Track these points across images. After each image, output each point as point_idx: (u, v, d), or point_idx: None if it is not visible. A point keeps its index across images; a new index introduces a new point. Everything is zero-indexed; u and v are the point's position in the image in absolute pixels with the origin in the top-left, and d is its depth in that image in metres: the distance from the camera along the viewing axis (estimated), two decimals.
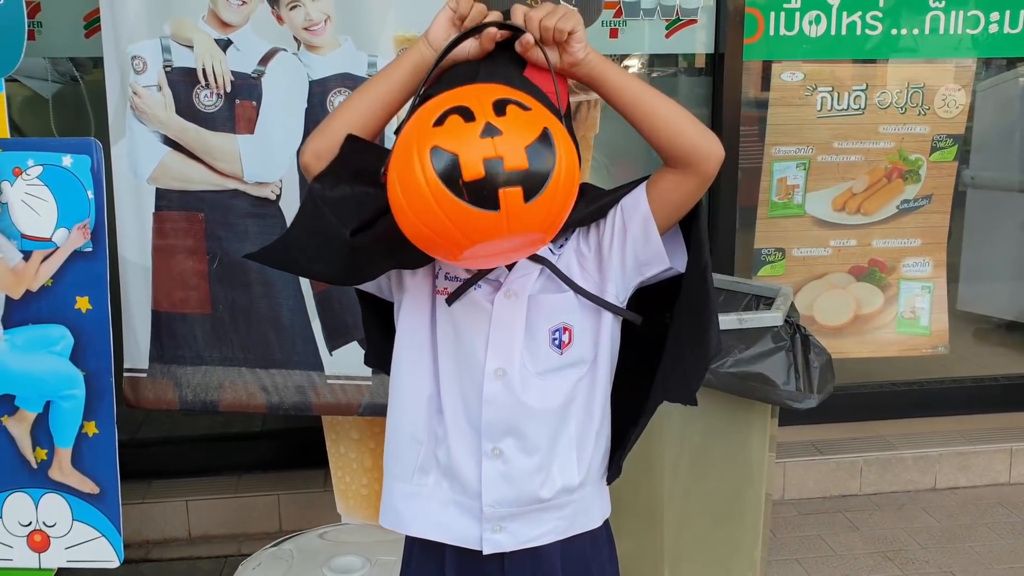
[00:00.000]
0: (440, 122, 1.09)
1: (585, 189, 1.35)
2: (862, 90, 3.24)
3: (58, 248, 2.10)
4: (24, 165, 2.11)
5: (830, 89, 3.23)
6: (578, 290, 1.33)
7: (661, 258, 1.32)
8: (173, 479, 3.02)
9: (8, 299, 2.11)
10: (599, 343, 1.36)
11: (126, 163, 2.29)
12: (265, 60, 2.23)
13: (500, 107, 1.10)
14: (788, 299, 2.45)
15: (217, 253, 2.30)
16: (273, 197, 2.29)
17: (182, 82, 2.24)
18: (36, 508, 2.21)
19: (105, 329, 2.13)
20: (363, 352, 1.64)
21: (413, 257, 1.20)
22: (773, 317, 2.31)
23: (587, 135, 2.68)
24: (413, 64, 1.27)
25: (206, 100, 2.24)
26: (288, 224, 1.77)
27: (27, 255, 2.11)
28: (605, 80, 1.27)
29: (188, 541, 2.95)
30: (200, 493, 2.97)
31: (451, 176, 1.07)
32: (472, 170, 1.06)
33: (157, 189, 2.30)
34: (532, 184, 1.08)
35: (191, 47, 2.22)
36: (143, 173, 2.29)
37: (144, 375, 2.38)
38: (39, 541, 2.21)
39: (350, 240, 1.20)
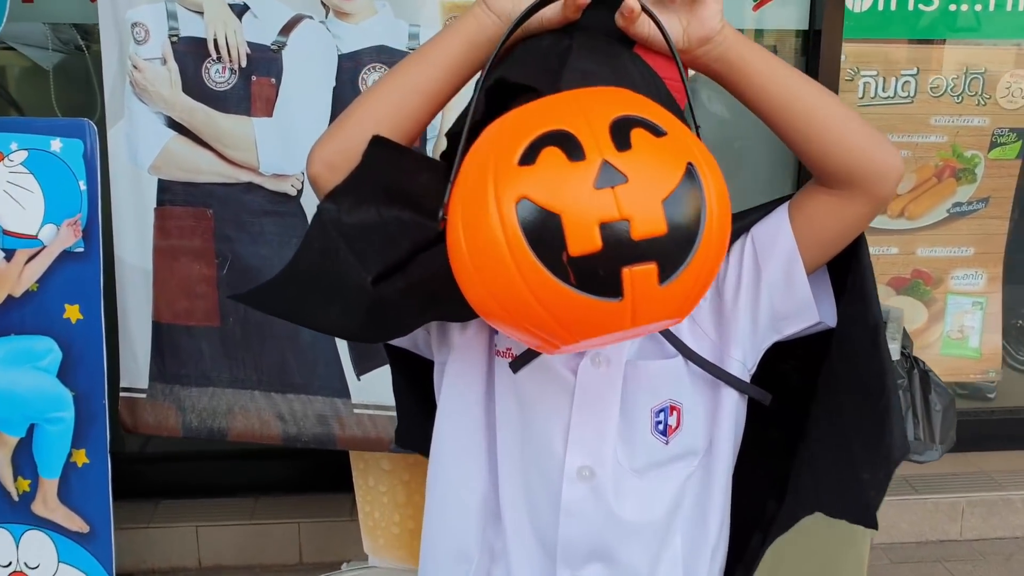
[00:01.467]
0: (530, 157, 0.74)
1: None
2: (912, 75, 2.86)
3: (45, 247, 1.95)
4: (7, 149, 1.97)
5: (875, 73, 2.84)
6: (690, 355, 0.97)
7: (807, 310, 0.98)
8: (183, 499, 2.78)
9: None
10: (716, 426, 1.00)
11: (124, 149, 2.07)
12: (287, 29, 1.99)
13: (621, 133, 0.74)
14: (900, 324, 2.07)
15: (228, 256, 2.08)
16: (293, 192, 2.05)
17: (190, 54, 2.01)
18: (17, 547, 2.06)
19: (98, 343, 1.98)
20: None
21: (464, 308, 0.85)
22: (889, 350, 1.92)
23: None
24: (467, 39, 0.91)
25: (217, 76, 2.01)
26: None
27: (9, 254, 1.96)
28: (745, 68, 0.90)
29: (198, 572, 2.71)
30: (212, 518, 2.73)
31: (550, 247, 0.73)
32: (583, 241, 0.72)
33: (160, 180, 2.08)
34: (672, 256, 0.74)
35: (201, 13, 1.99)
36: (144, 161, 2.07)
37: (143, 396, 2.15)
38: None
39: (372, 291, 0.87)
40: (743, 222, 0.98)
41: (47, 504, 2.01)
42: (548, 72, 0.86)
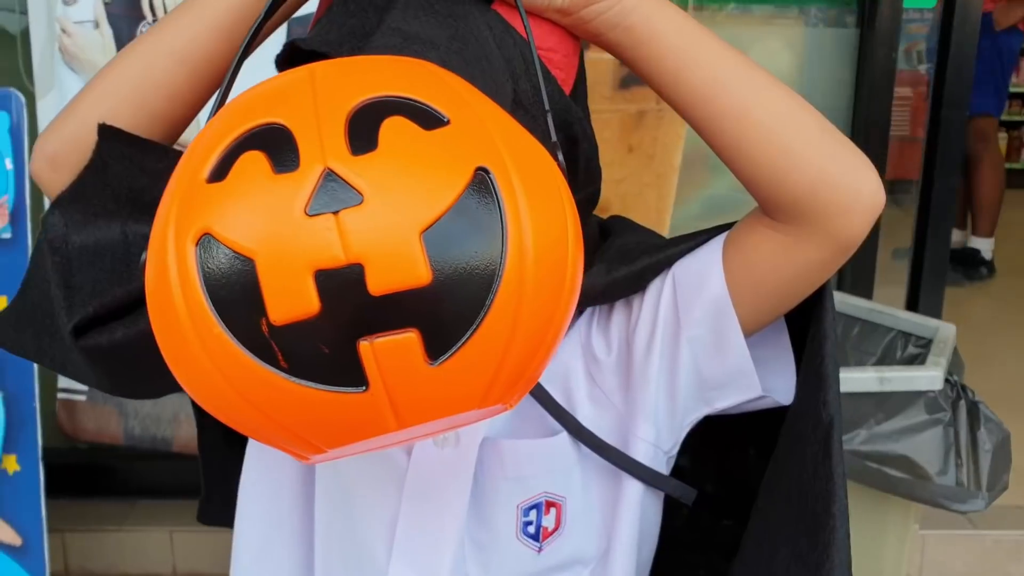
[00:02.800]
0: (223, 169, 0.48)
1: (610, 228, 0.75)
2: None
3: None
4: None
5: None
6: (580, 433, 0.70)
7: (745, 380, 0.70)
8: (160, 500, 2.56)
9: None
10: (615, 527, 0.73)
11: None
12: None
13: (365, 126, 0.48)
14: (949, 345, 1.75)
15: None
16: None
17: (125, 17, 1.85)
18: None
19: None
20: None
21: None
22: (930, 378, 1.63)
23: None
24: None
25: None
26: None
27: None
28: (654, 41, 0.63)
29: None
30: (189, 522, 2.49)
31: (242, 310, 0.47)
32: (289, 301, 0.46)
33: None
34: (446, 318, 0.47)
35: None
36: None
37: (83, 398, 2.00)
38: None
39: (75, 343, 0.64)
40: (667, 253, 0.70)
41: None
42: (356, 34, 0.60)
